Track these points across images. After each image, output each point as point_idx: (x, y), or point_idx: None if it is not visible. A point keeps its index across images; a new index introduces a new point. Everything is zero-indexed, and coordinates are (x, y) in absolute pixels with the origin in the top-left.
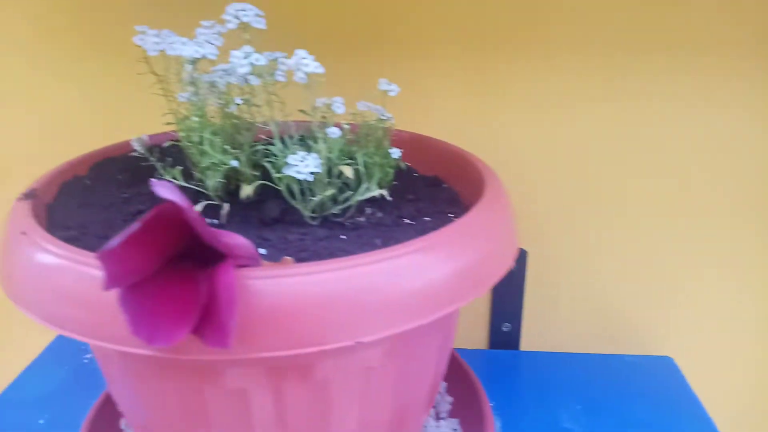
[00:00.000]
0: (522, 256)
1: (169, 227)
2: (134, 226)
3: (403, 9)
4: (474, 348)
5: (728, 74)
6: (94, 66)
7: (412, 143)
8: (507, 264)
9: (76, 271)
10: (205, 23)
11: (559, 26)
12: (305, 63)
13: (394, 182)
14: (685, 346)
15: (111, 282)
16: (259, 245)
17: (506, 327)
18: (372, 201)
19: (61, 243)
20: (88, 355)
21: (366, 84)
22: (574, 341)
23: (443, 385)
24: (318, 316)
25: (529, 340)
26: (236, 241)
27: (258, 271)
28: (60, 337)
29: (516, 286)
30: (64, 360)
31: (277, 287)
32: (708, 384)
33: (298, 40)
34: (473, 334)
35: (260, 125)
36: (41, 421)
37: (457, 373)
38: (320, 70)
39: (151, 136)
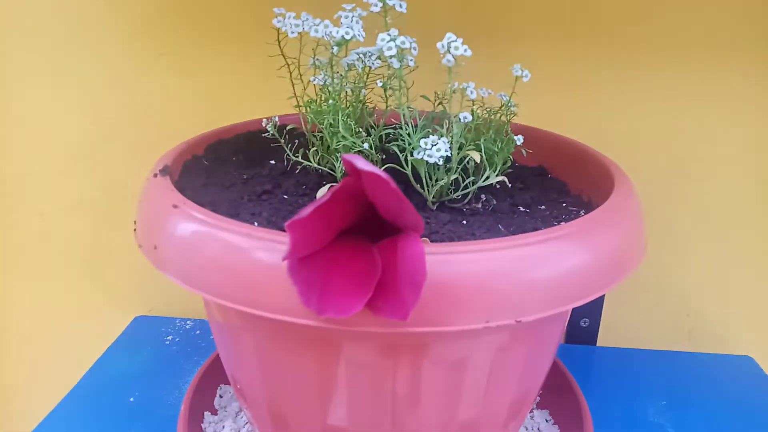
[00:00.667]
0: None
1: (349, 200)
2: (323, 198)
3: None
4: None
5: None
6: (193, 55)
7: (515, 133)
8: (642, 255)
9: (231, 242)
10: (346, 6)
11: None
12: (455, 46)
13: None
14: (765, 345)
15: (294, 252)
16: None
17: (584, 322)
18: (484, 188)
19: (217, 215)
20: (169, 337)
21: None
22: (651, 338)
23: None
24: (486, 293)
25: (605, 336)
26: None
27: (433, 247)
28: (138, 319)
29: None
30: (145, 341)
31: (449, 263)
32: None
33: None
34: None
35: (388, 110)
36: (131, 399)
37: None
38: (468, 53)
39: (253, 121)
